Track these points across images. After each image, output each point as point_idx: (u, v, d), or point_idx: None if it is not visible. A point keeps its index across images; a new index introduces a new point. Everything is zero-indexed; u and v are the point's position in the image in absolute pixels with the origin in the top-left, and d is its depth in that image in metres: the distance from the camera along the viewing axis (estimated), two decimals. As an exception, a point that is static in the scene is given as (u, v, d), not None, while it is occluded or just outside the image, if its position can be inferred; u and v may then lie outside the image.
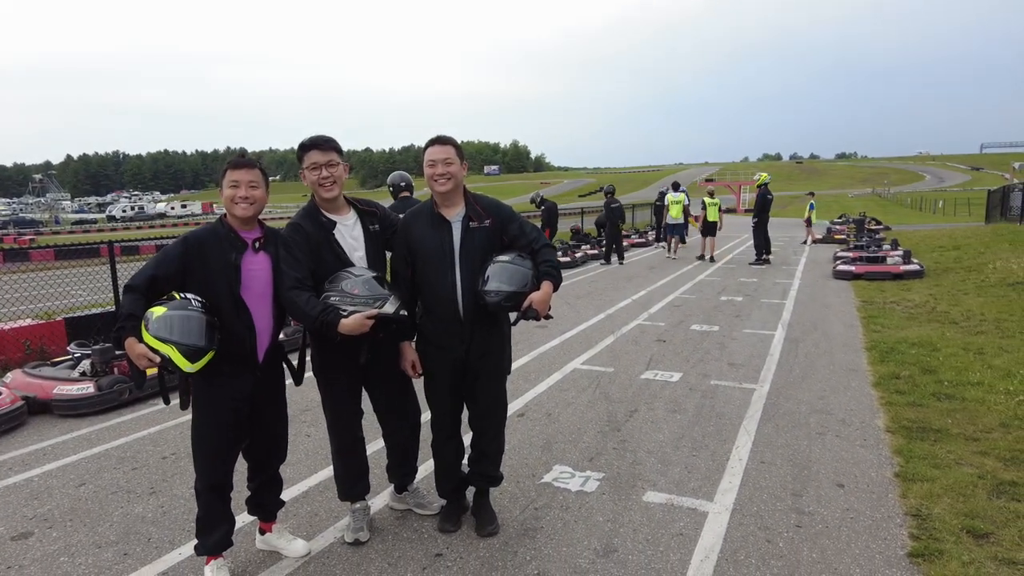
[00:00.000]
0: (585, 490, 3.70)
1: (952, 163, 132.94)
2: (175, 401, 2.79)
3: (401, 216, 3.27)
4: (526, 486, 3.79)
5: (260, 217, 2.90)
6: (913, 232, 20.96)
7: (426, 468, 3.76)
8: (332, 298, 2.79)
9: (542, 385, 5.76)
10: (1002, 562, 2.86)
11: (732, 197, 48.52)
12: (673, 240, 16.53)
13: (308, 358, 3.16)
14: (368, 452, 3.35)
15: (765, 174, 15.82)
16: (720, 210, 15.81)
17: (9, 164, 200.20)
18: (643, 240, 20.76)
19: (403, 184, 6.16)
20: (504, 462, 3.43)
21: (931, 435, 4.30)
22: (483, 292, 2.96)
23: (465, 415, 3.31)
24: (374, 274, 2.92)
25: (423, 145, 3.15)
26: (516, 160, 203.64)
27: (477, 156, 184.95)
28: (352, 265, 2.97)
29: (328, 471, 3.78)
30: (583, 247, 16.66)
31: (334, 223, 3.03)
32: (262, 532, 3.17)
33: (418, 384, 3.28)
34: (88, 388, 5.43)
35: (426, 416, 3.33)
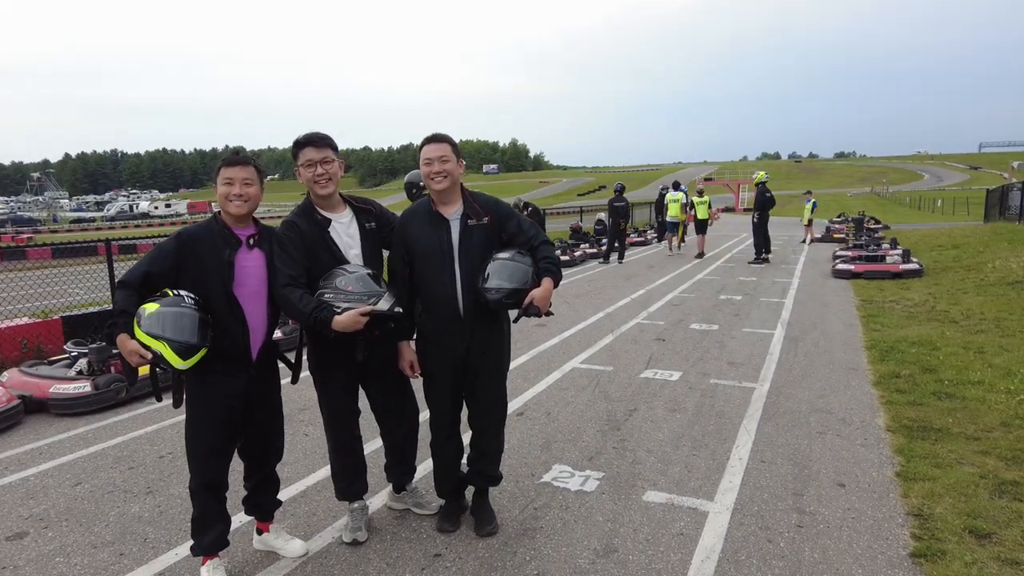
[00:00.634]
0: (585, 490, 3.68)
1: (951, 162, 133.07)
2: (169, 400, 2.76)
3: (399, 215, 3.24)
4: (525, 486, 3.76)
5: (256, 215, 2.87)
6: (912, 231, 20.96)
7: (425, 467, 3.73)
8: (326, 295, 2.76)
9: (541, 384, 5.74)
10: (1005, 562, 2.84)
11: (731, 196, 48.55)
12: (673, 238, 17.02)
13: (305, 356, 3.14)
14: (366, 451, 3.32)
15: (762, 172, 15.90)
16: (709, 207, 16.36)
17: (7, 162, 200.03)
18: (642, 239, 20.74)
19: (421, 184, 6.13)
20: (503, 461, 3.40)
21: (932, 434, 4.28)
22: (484, 290, 2.94)
23: (464, 414, 3.29)
24: (369, 271, 2.89)
25: (419, 144, 3.13)
26: (515, 159, 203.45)
27: (476, 155, 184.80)
28: (347, 263, 2.95)
29: (326, 470, 3.75)
30: (582, 246, 16.66)
31: (329, 221, 3.00)
32: (259, 532, 3.14)
33: (416, 383, 3.26)
34: (85, 387, 5.40)
35: (424, 415, 3.31)
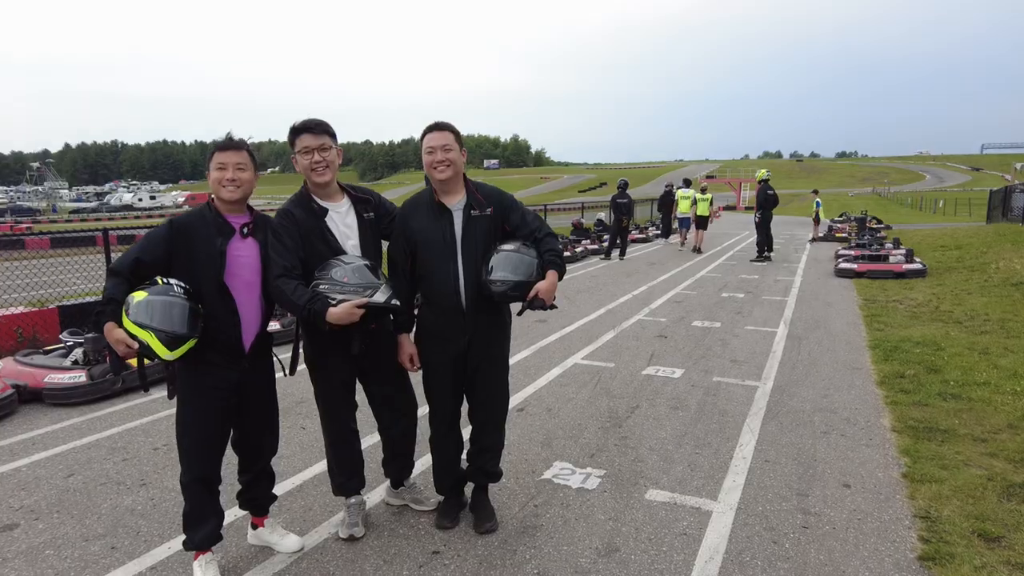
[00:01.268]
0: (586, 487, 3.62)
1: (952, 163, 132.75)
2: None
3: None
4: (526, 482, 3.70)
5: (255, 207, 2.80)
6: (914, 231, 20.88)
7: (423, 463, 3.67)
8: (321, 286, 2.69)
9: (542, 380, 5.67)
10: (1016, 567, 2.78)
11: (732, 194, 48.45)
12: (685, 233, 17.72)
13: (303, 348, 3.07)
14: (364, 445, 3.26)
15: (764, 170, 15.91)
16: (711, 205, 16.92)
17: (7, 152, 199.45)
18: (643, 236, 20.67)
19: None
20: (503, 458, 3.34)
21: (938, 435, 4.22)
22: (488, 282, 2.87)
23: (464, 409, 3.22)
24: (366, 262, 2.81)
25: (421, 132, 3.05)
26: (516, 155, 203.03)
27: (477, 150, 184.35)
28: (344, 253, 2.87)
29: (322, 465, 3.69)
30: (583, 242, 16.60)
31: (326, 210, 2.92)
32: (254, 526, 3.08)
33: (415, 376, 3.19)
34: (80, 377, 5.33)
35: (424, 409, 3.24)
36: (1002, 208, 22.40)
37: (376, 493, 3.56)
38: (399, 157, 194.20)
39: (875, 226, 21.05)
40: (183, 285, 2.55)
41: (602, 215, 20.86)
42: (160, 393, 5.02)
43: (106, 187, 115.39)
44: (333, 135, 2.93)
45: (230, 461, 2.89)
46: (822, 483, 3.64)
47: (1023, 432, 4.21)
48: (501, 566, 2.88)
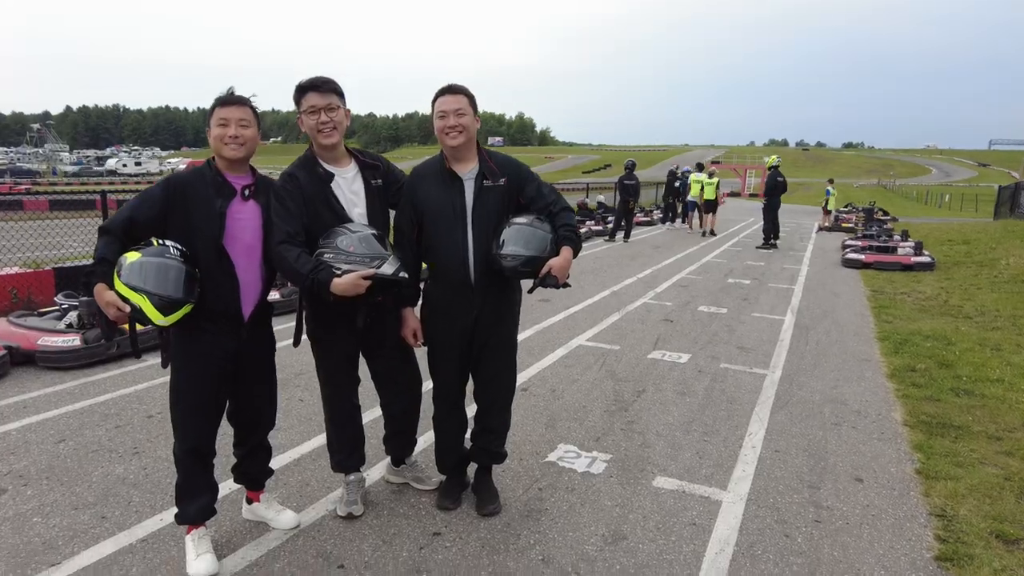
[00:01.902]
0: (592, 471, 3.52)
1: (959, 158, 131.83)
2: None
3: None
4: (530, 464, 3.60)
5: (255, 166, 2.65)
6: (920, 224, 20.68)
7: (425, 440, 3.57)
8: (326, 255, 2.55)
9: (546, 360, 5.56)
10: (1037, 571, 2.68)
11: (738, 181, 48.08)
12: (691, 216, 18.20)
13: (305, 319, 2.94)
14: (365, 421, 3.14)
15: (774, 156, 15.72)
16: (718, 188, 17.07)
17: (7, 112, 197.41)
18: (648, 219, 20.48)
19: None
20: (507, 438, 3.23)
21: (951, 432, 4.12)
22: (499, 256, 2.73)
23: (470, 387, 3.10)
24: (373, 231, 2.67)
25: (433, 95, 2.88)
26: (520, 133, 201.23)
27: (481, 127, 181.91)
28: (350, 221, 2.73)
29: (321, 439, 3.58)
30: (588, 223, 16.43)
31: (332, 175, 2.76)
32: (249, 501, 2.97)
33: (420, 351, 3.06)
34: (74, 340, 5.21)
35: (427, 386, 3.12)
36: (1010, 204, 22.21)
37: (376, 470, 3.46)
38: (403, 131, 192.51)
39: (882, 217, 20.86)
40: (179, 247, 2.40)
41: (602, 197, 20.63)
42: (150, 360, 4.91)
43: (107, 151, 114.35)
44: (341, 94, 2.76)
45: (225, 432, 2.77)
46: (834, 476, 3.54)
47: (1039, 431, 4.11)
48: (504, 550, 2.78)
